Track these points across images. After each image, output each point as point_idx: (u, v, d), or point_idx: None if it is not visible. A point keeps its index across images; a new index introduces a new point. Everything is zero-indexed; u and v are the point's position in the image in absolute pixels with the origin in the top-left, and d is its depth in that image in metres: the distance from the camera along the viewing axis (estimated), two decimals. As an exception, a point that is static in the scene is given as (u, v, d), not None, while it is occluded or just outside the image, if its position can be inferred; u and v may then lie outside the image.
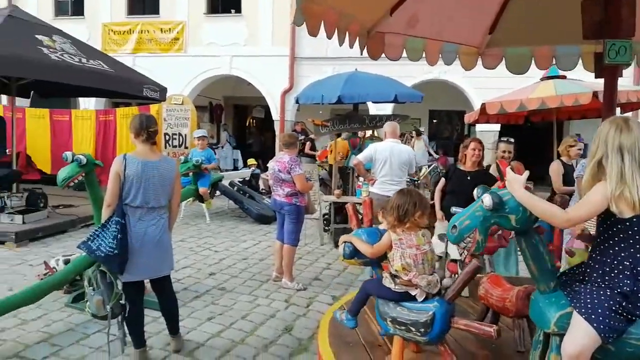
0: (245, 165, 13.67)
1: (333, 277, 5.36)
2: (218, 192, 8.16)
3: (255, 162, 11.68)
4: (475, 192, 2.28)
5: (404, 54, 3.97)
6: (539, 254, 2.16)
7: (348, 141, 6.76)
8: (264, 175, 10.97)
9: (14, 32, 6.48)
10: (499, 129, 12.57)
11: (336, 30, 3.14)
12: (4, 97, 12.94)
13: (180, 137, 10.02)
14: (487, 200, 2.14)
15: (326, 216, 7.16)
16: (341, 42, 3.29)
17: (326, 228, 7.03)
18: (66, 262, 4.44)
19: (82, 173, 3.79)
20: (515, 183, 2.11)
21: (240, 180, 9.92)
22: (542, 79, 6.42)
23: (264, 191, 10.47)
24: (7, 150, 8.39)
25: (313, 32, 2.93)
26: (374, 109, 11.65)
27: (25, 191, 7.47)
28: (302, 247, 6.36)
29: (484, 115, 6.57)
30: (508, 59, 4.21)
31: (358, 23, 3.49)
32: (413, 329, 2.47)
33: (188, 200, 6.55)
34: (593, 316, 1.87)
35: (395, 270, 2.56)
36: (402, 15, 3.62)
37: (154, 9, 14.38)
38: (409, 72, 11.07)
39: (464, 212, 2.29)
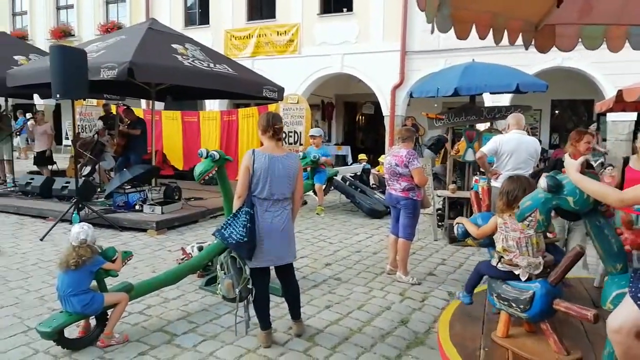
0: (356, 160, 13.86)
1: (448, 273, 5.26)
2: (332, 187, 8.39)
3: (366, 158, 11.79)
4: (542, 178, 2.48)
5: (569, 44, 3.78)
6: (604, 236, 2.31)
7: (464, 134, 6.53)
8: (375, 171, 11.06)
9: (153, 42, 7.27)
10: (634, 118, 11.32)
11: (491, 30, 3.21)
12: (143, 102, 14.55)
13: (296, 135, 10.46)
14: (542, 182, 2.36)
15: (440, 211, 7.02)
16: (498, 41, 3.43)
17: (440, 223, 6.90)
18: (200, 248, 4.90)
19: (215, 168, 4.15)
20: (571, 167, 2.26)
21: (352, 175, 10.09)
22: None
23: (374, 186, 10.54)
24: (147, 149, 9.44)
25: (462, 36, 3.10)
26: (489, 100, 11.14)
27: (162, 185, 8.33)
28: (415, 242, 6.30)
29: (620, 103, 5.96)
30: None
31: (520, 20, 3.50)
32: (514, 305, 2.75)
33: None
34: (639, 294, 1.94)
35: (498, 251, 2.88)
36: (572, 5, 3.45)
37: (271, 14, 15.14)
38: (529, 61, 10.40)
39: (529, 195, 2.59)
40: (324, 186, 6.16)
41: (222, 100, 14.77)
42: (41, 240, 6.19)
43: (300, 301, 3.68)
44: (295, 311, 3.64)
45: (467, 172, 6.77)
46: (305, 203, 6.29)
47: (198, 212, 7.61)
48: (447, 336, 3.02)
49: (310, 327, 3.75)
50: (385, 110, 13.83)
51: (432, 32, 3.11)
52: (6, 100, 10.70)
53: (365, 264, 5.49)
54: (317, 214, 5.96)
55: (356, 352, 3.40)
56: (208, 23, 16.12)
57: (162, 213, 7.12)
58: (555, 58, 11.49)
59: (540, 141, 6.55)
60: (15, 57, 9.34)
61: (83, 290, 3.31)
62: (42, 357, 3.23)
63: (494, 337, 2.92)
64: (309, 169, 6.01)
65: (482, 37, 3.27)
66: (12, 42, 10.72)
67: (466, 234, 3.19)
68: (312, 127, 10.85)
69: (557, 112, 14.91)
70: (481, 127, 7.24)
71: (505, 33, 3.46)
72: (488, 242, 3.11)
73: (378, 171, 10.85)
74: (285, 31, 14.78)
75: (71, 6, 19.27)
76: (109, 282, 3.60)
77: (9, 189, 9.17)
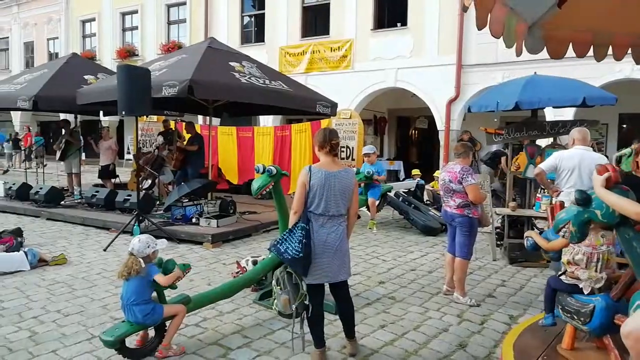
0: (409, 176, 13.64)
1: (509, 295, 5.01)
2: (385, 203, 8.27)
3: (420, 173, 11.57)
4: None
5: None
6: (632, 248, 2.42)
7: (525, 150, 6.28)
8: (429, 187, 10.82)
9: (212, 60, 7.52)
10: None
11: (592, 47, 3.24)
12: (200, 118, 15.04)
13: (348, 150, 10.43)
14: (571, 196, 2.64)
15: (498, 230, 6.75)
16: (600, 58, 3.43)
17: (499, 243, 6.62)
18: (254, 262, 4.94)
19: (272, 183, 4.17)
20: (596, 182, 2.46)
21: (405, 190, 9.92)
22: None
23: (428, 202, 10.31)
24: (205, 164, 9.71)
25: (556, 56, 3.26)
26: (550, 114, 10.69)
27: (217, 199, 8.53)
28: (473, 262, 6.07)
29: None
30: None
31: (630, 35, 3.43)
32: (576, 318, 2.89)
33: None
34: None
35: (563, 263, 3.04)
36: None
37: (325, 30, 15.33)
38: (594, 73, 9.94)
39: (565, 208, 2.81)
40: (377, 202, 6.06)
41: (276, 115, 15.03)
42: (104, 250, 6.46)
43: (354, 320, 3.61)
44: (349, 329, 3.57)
45: (528, 189, 6.48)
46: (358, 217, 6.22)
47: (252, 226, 7.72)
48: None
49: (365, 347, 3.67)
50: (440, 125, 13.58)
51: (519, 54, 3.11)
52: (75, 117, 11.38)
53: (421, 283, 5.34)
54: (369, 228, 5.87)
55: (413, 375, 3.29)
56: (263, 40, 16.53)
57: (218, 226, 7.26)
58: (622, 70, 10.89)
59: (607, 157, 6.16)
60: (85, 77, 9.93)
61: (145, 300, 3.41)
62: (104, 365, 3.33)
63: (558, 348, 3.04)
64: (362, 184, 5.94)
65: (581, 55, 3.37)
66: (82, 62, 11.42)
67: (536, 247, 3.27)
68: (364, 143, 10.80)
69: (625, 126, 14.09)
70: (543, 142, 6.95)
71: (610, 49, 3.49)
72: (558, 256, 3.22)
73: (432, 187, 10.61)
74: (338, 47, 14.90)
75: (135, 27, 20.37)
76: (168, 293, 3.68)
77: (76, 201, 9.67)
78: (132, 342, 3.52)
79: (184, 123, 10.74)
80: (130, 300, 3.37)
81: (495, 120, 8.62)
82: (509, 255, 6.17)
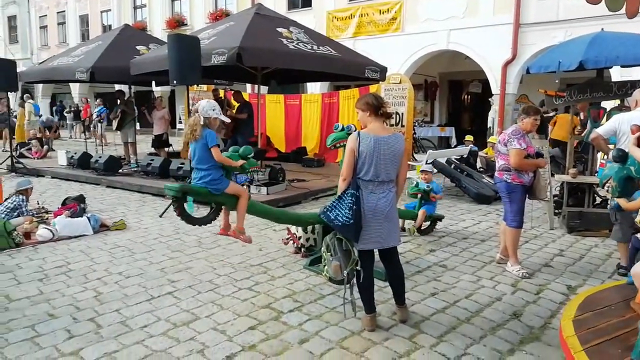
0: (461, 142, 13.24)
1: (567, 265, 4.82)
2: (435, 170, 8.07)
3: (472, 139, 11.19)
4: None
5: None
6: None
7: (588, 113, 5.89)
8: (482, 153, 10.46)
9: (260, 27, 7.46)
10: None
11: None
12: (248, 86, 15.12)
13: (397, 116, 10.21)
14: (610, 153, 2.85)
15: (556, 198, 6.45)
16: None
17: (557, 211, 6.34)
18: (304, 229, 4.98)
19: (346, 140, 4.11)
20: (631, 140, 2.76)
21: (457, 157, 9.64)
22: None
23: (482, 169, 9.99)
24: (254, 132, 9.80)
25: (632, 12, 3.13)
26: (617, 75, 9.96)
27: (267, 167, 8.62)
28: (528, 231, 5.88)
29: None
30: None
31: None
32: None
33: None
34: None
35: (636, 222, 3.18)
36: None
37: (373, -8, 14.85)
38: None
39: (609, 165, 2.96)
40: (427, 224, 5.83)
41: (323, 82, 14.88)
42: (160, 217, 6.71)
43: (404, 286, 3.58)
44: (399, 296, 3.55)
45: (591, 154, 6.12)
46: (403, 230, 5.97)
47: (301, 193, 7.77)
48: (572, 332, 2.75)
49: (415, 314, 3.65)
50: (495, 89, 13.01)
51: (634, 15, 3.02)
52: (129, 88, 11.72)
53: (473, 252, 5.22)
54: (408, 229, 5.74)
55: (464, 343, 3.24)
56: (310, 5, 16.25)
57: (268, 194, 7.36)
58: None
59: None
60: (137, 47, 10.14)
61: (212, 165, 3.71)
62: (162, 324, 3.48)
63: (632, 304, 3.01)
64: (419, 195, 5.78)
65: None
66: (134, 33, 11.65)
67: (619, 207, 3.46)
68: (414, 108, 10.50)
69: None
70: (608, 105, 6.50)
71: None
72: None
73: (486, 154, 10.26)
74: (387, 9, 14.43)
75: (184, -3, 20.55)
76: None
77: (132, 169, 10.07)
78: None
79: (232, 92, 10.82)
80: (200, 164, 3.70)
81: (557, 81, 8.08)
82: (568, 223, 5.90)
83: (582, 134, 6.19)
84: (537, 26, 12.08)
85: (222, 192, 3.92)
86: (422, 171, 6.06)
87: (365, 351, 3.12)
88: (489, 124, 13.65)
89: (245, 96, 11.64)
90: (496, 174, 4.59)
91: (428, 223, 5.88)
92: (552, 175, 6.38)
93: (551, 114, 10.25)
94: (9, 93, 11.86)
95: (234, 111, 10.02)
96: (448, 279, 4.42)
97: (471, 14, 13.08)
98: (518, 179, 4.41)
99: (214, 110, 3.85)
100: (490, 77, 13.08)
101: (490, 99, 13.74)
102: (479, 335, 3.34)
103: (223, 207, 4.17)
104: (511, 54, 12.51)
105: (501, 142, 4.49)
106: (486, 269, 4.70)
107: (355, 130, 3.97)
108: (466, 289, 4.18)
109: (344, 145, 4.03)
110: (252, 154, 4.17)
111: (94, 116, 14.47)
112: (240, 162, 4.03)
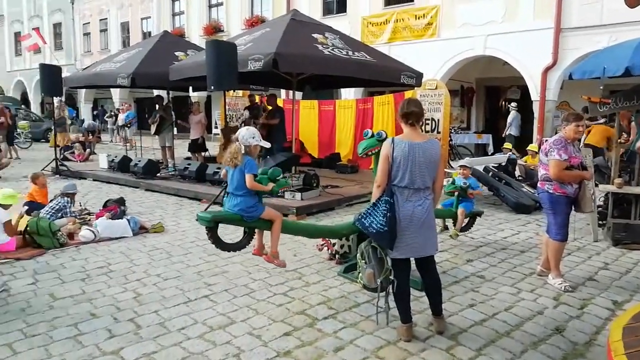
0: (498, 150, 12.95)
1: (612, 279, 4.62)
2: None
3: (511, 147, 10.92)
4: None
5: None
6: None
7: (636, 122, 5.67)
8: (521, 161, 10.21)
9: (295, 33, 7.51)
10: None
11: None
12: (283, 92, 15.24)
13: (433, 122, 10.07)
14: None
15: (601, 209, 6.21)
16: None
17: (601, 222, 6.10)
18: (338, 235, 4.97)
19: (378, 147, 4.01)
20: None
21: (495, 165, 9.43)
22: None
23: (520, 178, 9.74)
24: (287, 138, 9.85)
25: None
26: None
27: (301, 172, 8.65)
28: (571, 242, 5.67)
29: None
30: None
31: None
32: None
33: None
34: None
35: None
36: None
37: (409, -3, 14.75)
38: None
39: None
40: (466, 220, 5.72)
41: (357, 88, 14.83)
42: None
43: (442, 296, 3.51)
44: (436, 307, 3.49)
45: (638, 164, 5.87)
46: (446, 228, 5.98)
47: (335, 199, 7.76)
48: (619, 337, 2.62)
49: (453, 326, 3.57)
50: (535, 95, 12.66)
51: None
52: (168, 93, 12.00)
53: (512, 263, 5.08)
54: (450, 236, 5.66)
55: (504, 357, 3.15)
56: (345, 11, 16.26)
57: (302, 199, 7.38)
58: None
59: None
60: (176, 53, 10.38)
61: (249, 192, 3.73)
62: (199, 327, 3.53)
63: None
64: (456, 193, 5.69)
65: None
66: (173, 39, 11.94)
67: None
68: (451, 115, 10.34)
69: None
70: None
71: None
72: None
73: (525, 162, 9.99)
74: (423, 14, 14.29)
75: (221, 4, 20.89)
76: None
77: (170, 173, 10.28)
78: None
79: (267, 96, 10.91)
80: (236, 191, 3.72)
81: (601, 87, 7.77)
82: (613, 236, 5.67)
83: (628, 142, 5.95)
84: (580, 31, 11.71)
85: (258, 218, 3.89)
86: (460, 166, 5.95)
87: (402, 362, 3.07)
88: (507, 131, 13.34)
89: (280, 102, 11.73)
90: (538, 183, 4.49)
91: (466, 220, 5.76)
92: (596, 185, 6.16)
93: (601, 121, 9.91)
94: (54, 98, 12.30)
95: (266, 116, 10.09)
96: (486, 290, 4.31)
97: (510, 18, 12.80)
98: (560, 189, 4.27)
99: (253, 137, 3.86)
100: (529, 83, 12.75)
101: (510, 104, 13.47)
102: (520, 350, 3.24)
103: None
104: (552, 60, 12.16)
105: (543, 151, 4.39)
106: (526, 281, 4.56)
107: (386, 137, 3.94)
108: (505, 301, 4.06)
109: (376, 153, 4.02)
110: (281, 175, 4.07)
111: (121, 121, 14.84)
112: (270, 185, 3.95)
